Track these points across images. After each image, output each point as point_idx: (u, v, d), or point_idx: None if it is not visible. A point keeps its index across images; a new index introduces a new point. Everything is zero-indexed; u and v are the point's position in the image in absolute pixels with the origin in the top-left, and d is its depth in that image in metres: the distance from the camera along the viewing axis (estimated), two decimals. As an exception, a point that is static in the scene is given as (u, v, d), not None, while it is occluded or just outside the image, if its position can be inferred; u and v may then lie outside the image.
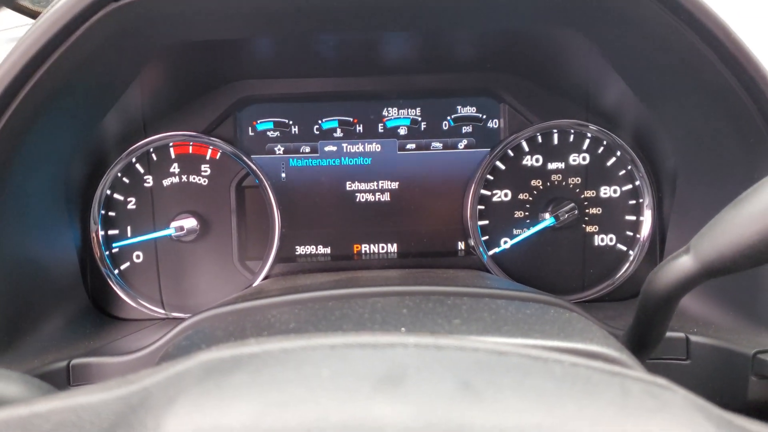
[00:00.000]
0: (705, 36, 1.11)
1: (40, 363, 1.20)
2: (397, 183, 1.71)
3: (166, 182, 1.64)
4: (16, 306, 1.26)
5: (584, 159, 1.66)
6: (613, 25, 1.21)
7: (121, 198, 1.63)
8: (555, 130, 1.66)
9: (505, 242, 1.68)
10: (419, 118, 1.70)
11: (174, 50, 1.33)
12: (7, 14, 1.80)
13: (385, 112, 1.70)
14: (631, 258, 1.66)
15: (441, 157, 1.70)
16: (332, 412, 0.46)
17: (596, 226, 1.67)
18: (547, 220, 1.64)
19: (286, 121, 1.69)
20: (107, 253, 1.62)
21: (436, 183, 1.70)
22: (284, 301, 1.09)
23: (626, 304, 1.64)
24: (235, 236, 1.66)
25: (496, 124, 1.70)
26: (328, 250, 1.71)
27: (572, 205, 1.62)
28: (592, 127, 1.64)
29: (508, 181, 1.68)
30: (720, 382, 1.23)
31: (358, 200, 1.71)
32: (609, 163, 1.66)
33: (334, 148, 1.70)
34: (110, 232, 1.63)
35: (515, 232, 1.68)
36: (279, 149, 1.69)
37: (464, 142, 1.70)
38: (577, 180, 1.66)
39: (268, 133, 1.69)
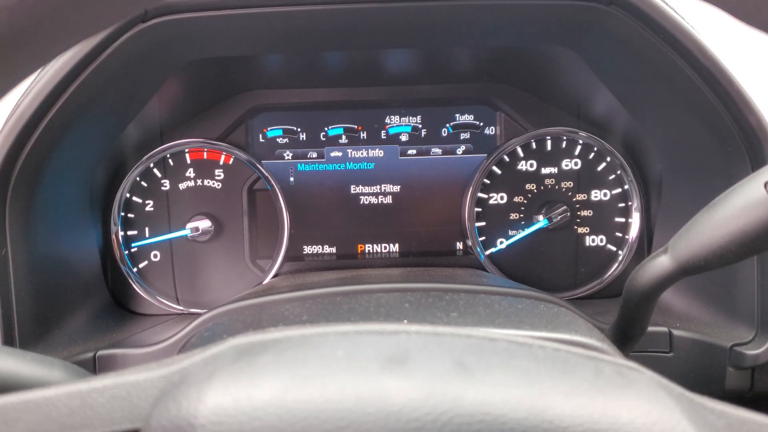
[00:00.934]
0: (682, 52, 1.18)
1: (68, 354, 1.28)
2: (399, 186, 1.78)
3: (182, 186, 1.72)
4: (45, 301, 1.34)
5: (576, 164, 1.74)
6: (600, 42, 1.29)
7: (140, 201, 1.71)
8: (548, 137, 1.73)
9: (501, 243, 1.75)
10: (420, 126, 1.77)
11: (192, 65, 1.40)
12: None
13: (387, 120, 1.77)
14: (620, 258, 1.73)
15: (440, 162, 1.78)
16: (348, 385, 0.53)
17: (587, 228, 1.74)
18: (541, 221, 1.71)
19: (295, 128, 1.77)
20: (126, 252, 1.71)
21: (436, 187, 1.78)
22: (296, 297, 1.17)
23: (615, 301, 1.66)
24: (247, 236, 1.74)
25: (492, 131, 1.77)
26: (333, 250, 1.79)
27: (564, 207, 1.70)
28: (583, 134, 1.71)
29: (503, 185, 1.75)
30: (700, 372, 1.29)
31: (362, 203, 1.78)
32: (599, 168, 1.73)
33: (340, 154, 1.77)
34: (129, 232, 1.71)
35: (510, 233, 1.75)
36: (288, 155, 1.77)
37: (462, 148, 1.78)
38: (570, 184, 1.73)
39: (278, 139, 1.77)
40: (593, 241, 1.74)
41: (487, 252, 1.75)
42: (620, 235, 1.74)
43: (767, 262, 1.26)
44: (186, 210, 1.72)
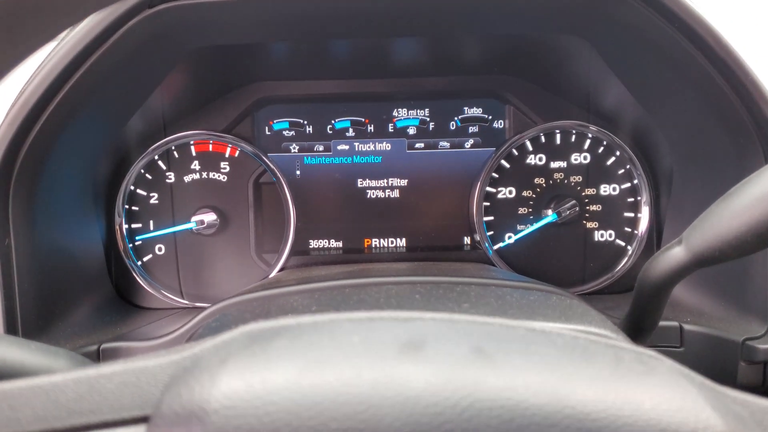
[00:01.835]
0: (697, 42, 1.17)
1: (71, 347, 1.27)
2: (406, 180, 1.77)
3: (187, 178, 1.71)
4: (49, 293, 1.33)
5: (585, 158, 1.73)
6: (612, 31, 1.27)
7: (144, 193, 1.70)
8: (558, 131, 1.72)
9: (510, 237, 1.74)
10: (428, 119, 1.76)
11: (198, 54, 1.39)
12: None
13: (395, 113, 1.76)
14: (630, 253, 1.72)
15: (448, 156, 1.77)
16: (365, 370, 0.52)
17: (596, 223, 1.73)
18: (550, 216, 1.70)
19: (301, 121, 1.76)
20: (131, 245, 1.70)
21: (444, 181, 1.77)
22: (305, 289, 1.16)
23: (624, 296, 1.70)
24: (253, 230, 1.73)
25: (501, 125, 1.76)
26: (340, 244, 1.78)
27: (573, 202, 1.69)
28: (592, 127, 1.70)
29: (512, 179, 1.74)
30: (711, 367, 1.28)
31: (368, 197, 1.77)
32: (609, 162, 1.72)
33: (347, 147, 1.76)
34: (133, 225, 1.70)
35: (519, 227, 1.74)
36: (294, 148, 1.75)
37: (471, 141, 1.77)
38: (579, 178, 1.72)
39: (284, 132, 1.76)
40: (602, 236, 1.73)
41: (495, 247, 1.74)
42: (629, 230, 1.73)
43: (781, 254, 1.25)
44: (191, 203, 1.71)
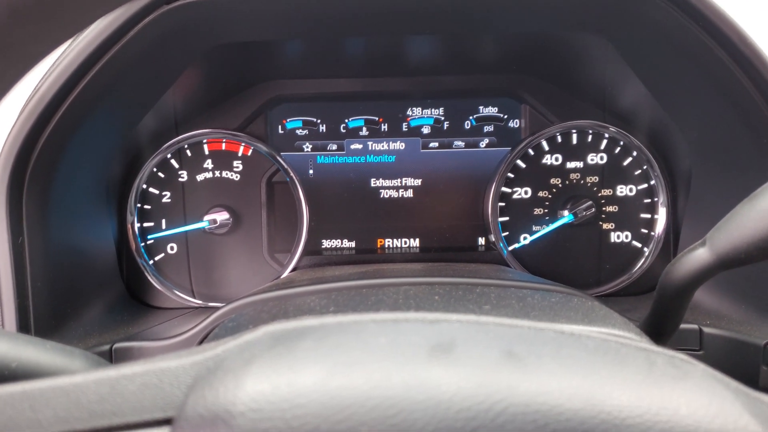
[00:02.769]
0: (721, 40, 1.15)
1: (84, 346, 1.26)
2: (420, 180, 1.76)
3: (199, 177, 1.70)
4: (61, 292, 1.32)
5: (602, 158, 1.71)
6: (634, 29, 1.26)
7: (157, 192, 1.69)
8: (574, 131, 1.71)
9: (525, 238, 1.73)
10: (442, 118, 1.75)
11: (212, 53, 1.38)
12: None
13: (409, 112, 1.75)
14: (646, 254, 1.71)
15: (463, 156, 1.75)
16: (394, 372, 0.51)
17: (612, 224, 1.72)
18: (566, 217, 1.68)
19: (314, 119, 1.75)
20: (142, 244, 1.69)
21: (458, 180, 1.76)
22: (321, 289, 1.15)
23: (641, 298, 1.69)
24: (265, 229, 1.72)
25: (516, 124, 1.75)
26: (353, 244, 1.77)
27: (590, 203, 1.67)
28: (613, 129, 1.69)
29: (528, 179, 1.72)
30: (732, 371, 1.24)
31: (382, 196, 1.76)
32: (625, 163, 1.71)
33: (360, 146, 1.75)
34: (145, 224, 1.70)
35: (534, 228, 1.73)
36: (307, 147, 1.74)
37: (486, 141, 1.75)
38: (595, 179, 1.71)
39: (297, 131, 1.75)
40: (618, 237, 1.72)
41: (511, 248, 1.73)
42: (646, 231, 1.72)
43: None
44: (203, 202, 1.70)
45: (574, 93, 1.71)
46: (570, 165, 1.71)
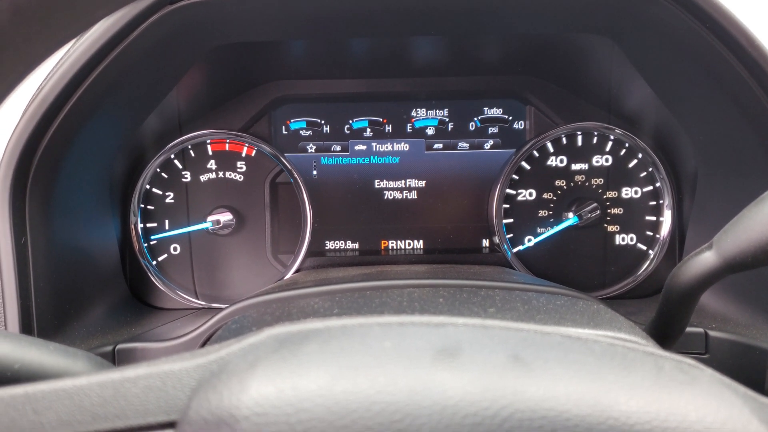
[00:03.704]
0: (729, 42, 1.14)
1: (87, 347, 1.26)
2: (424, 182, 1.75)
3: (203, 178, 1.70)
4: (64, 292, 1.32)
5: (607, 160, 1.70)
6: (640, 31, 1.25)
7: (160, 192, 1.69)
8: (579, 132, 1.70)
9: (529, 240, 1.72)
10: (447, 119, 1.75)
11: (216, 53, 1.38)
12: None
13: (413, 113, 1.75)
14: (651, 257, 1.70)
15: (467, 157, 1.75)
16: (399, 377, 0.50)
17: (617, 226, 1.71)
18: (571, 219, 1.68)
19: (318, 120, 1.74)
20: (146, 245, 1.68)
21: (462, 182, 1.75)
22: (325, 291, 1.14)
23: (646, 301, 1.68)
24: (269, 230, 1.71)
25: (521, 126, 1.75)
26: (356, 246, 1.77)
27: (595, 205, 1.67)
28: (619, 131, 1.68)
29: (532, 181, 1.72)
30: (738, 375, 1.24)
31: (386, 198, 1.76)
32: (631, 165, 1.70)
33: (364, 147, 1.75)
34: (149, 224, 1.69)
35: (539, 230, 1.72)
36: (311, 148, 1.74)
37: (490, 142, 1.75)
38: (600, 181, 1.70)
39: (301, 132, 1.74)
40: (623, 239, 1.71)
41: (515, 249, 1.73)
42: (651, 233, 1.71)
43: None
44: (206, 202, 1.70)
45: (580, 95, 1.70)
46: (575, 167, 1.71)
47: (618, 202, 1.71)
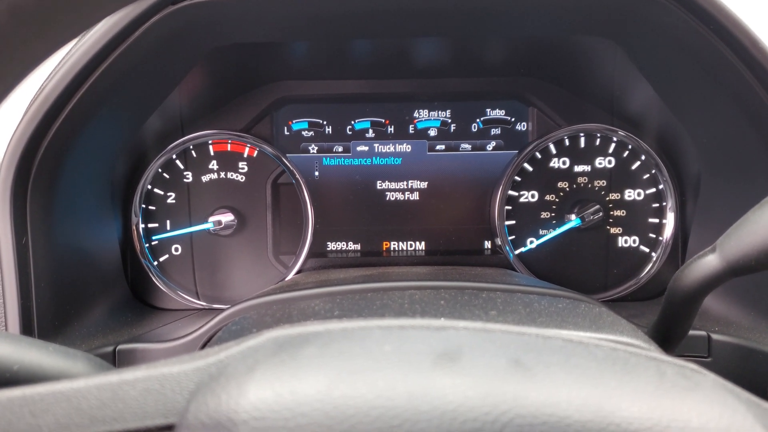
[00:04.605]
0: (733, 44, 1.14)
1: (87, 347, 1.25)
2: (426, 183, 1.75)
3: (204, 178, 1.70)
4: (65, 293, 1.31)
5: (610, 162, 1.70)
6: (643, 33, 1.25)
7: (161, 192, 1.69)
8: (582, 134, 1.70)
9: (531, 242, 1.72)
10: (449, 120, 1.74)
11: (218, 53, 1.38)
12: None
13: (416, 114, 1.74)
14: (654, 259, 1.69)
15: (470, 159, 1.74)
16: (399, 381, 0.50)
17: (620, 228, 1.71)
18: (573, 221, 1.67)
19: (320, 121, 1.74)
20: (147, 245, 1.68)
21: (465, 183, 1.75)
22: (326, 292, 1.14)
23: (648, 303, 1.67)
24: (270, 231, 1.71)
25: (524, 127, 1.74)
26: (358, 247, 1.76)
27: (597, 207, 1.66)
28: (622, 133, 1.67)
29: (535, 183, 1.71)
30: (741, 379, 1.23)
31: (388, 199, 1.76)
32: (633, 167, 1.70)
33: (366, 148, 1.75)
34: (150, 225, 1.69)
35: (541, 232, 1.72)
36: (313, 148, 1.74)
37: (493, 144, 1.74)
38: (603, 183, 1.70)
39: (303, 132, 1.74)
40: (626, 241, 1.71)
41: (517, 251, 1.72)
42: (654, 236, 1.70)
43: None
44: (208, 203, 1.70)
45: (582, 96, 1.70)
46: (577, 169, 1.70)
47: (621, 204, 1.70)
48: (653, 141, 1.67)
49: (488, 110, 1.74)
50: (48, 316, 1.24)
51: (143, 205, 1.68)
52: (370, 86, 1.73)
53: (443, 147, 1.74)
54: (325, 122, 1.74)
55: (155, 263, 1.69)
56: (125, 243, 1.65)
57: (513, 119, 1.74)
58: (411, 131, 1.75)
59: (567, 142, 1.70)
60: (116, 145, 1.47)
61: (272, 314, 1.05)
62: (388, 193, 1.75)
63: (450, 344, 0.57)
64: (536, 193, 1.72)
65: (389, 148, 1.74)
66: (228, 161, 1.70)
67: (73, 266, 1.36)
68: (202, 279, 1.71)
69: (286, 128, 1.74)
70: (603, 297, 1.69)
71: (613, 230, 1.71)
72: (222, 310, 1.22)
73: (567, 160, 1.70)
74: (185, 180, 1.70)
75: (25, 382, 0.59)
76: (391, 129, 1.74)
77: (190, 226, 1.69)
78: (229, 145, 1.70)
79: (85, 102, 1.18)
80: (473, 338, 0.59)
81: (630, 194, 1.70)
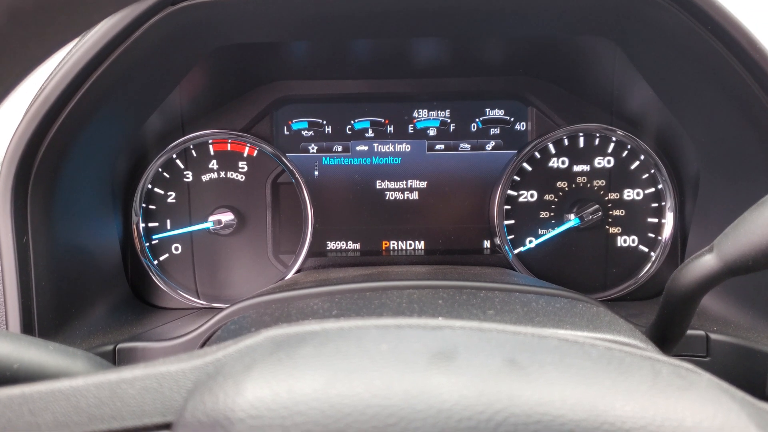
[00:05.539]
0: (730, 45, 1.14)
1: (87, 346, 1.26)
2: (426, 182, 1.75)
3: (204, 178, 1.70)
4: (65, 292, 1.32)
5: (609, 162, 1.70)
6: (642, 33, 1.25)
7: (162, 192, 1.69)
8: (581, 134, 1.70)
9: (530, 241, 1.72)
10: (448, 120, 1.75)
11: (218, 53, 1.38)
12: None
13: (415, 114, 1.75)
14: (653, 259, 1.69)
15: (469, 158, 1.75)
16: (395, 380, 0.50)
17: (619, 228, 1.71)
18: (572, 220, 1.68)
19: (320, 121, 1.74)
20: (147, 244, 1.69)
21: (464, 183, 1.75)
22: (325, 291, 1.14)
23: (647, 303, 1.67)
24: (270, 231, 1.71)
25: (523, 127, 1.74)
26: (357, 246, 1.77)
27: (597, 206, 1.66)
28: (620, 132, 1.68)
29: (534, 182, 1.72)
30: (738, 378, 1.24)
31: (387, 198, 1.76)
32: (633, 167, 1.70)
33: (366, 148, 1.75)
34: (150, 224, 1.69)
35: (540, 231, 1.72)
36: (313, 148, 1.74)
37: (492, 143, 1.75)
38: (602, 182, 1.70)
39: (303, 132, 1.74)
40: (625, 241, 1.71)
41: (516, 251, 1.72)
42: (653, 235, 1.70)
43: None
44: (208, 202, 1.70)
45: (582, 96, 1.70)
46: (577, 168, 1.71)
47: (620, 203, 1.70)
48: (652, 141, 1.67)
49: (487, 110, 1.74)
50: (48, 315, 1.25)
51: (143, 205, 1.68)
52: (370, 86, 1.73)
53: (442, 147, 1.75)
54: (324, 122, 1.74)
55: (155, 262, 1.69)
56: (125, 242, 1.65)
57: (512, 119, 1.74)
58: (410, 131, 1.75)
59: (566, 142, 1.70)
60: (116, 144, 1.47)
61: (271, 313, 1.05)
62: (387, 193, 1.76)
63: (446, 344, 0.57)
64: (535, 193, 1.72)
65: (389, 148, 1.75)
66: (228, 161, 1.71)
67: (74, 265, 1.36)
68: (202, 278, 1.71)
69: (285, 128, 1.74)
70: (602, 296, 1.69)
71: (612, 230, 1.71)
72: (222, 309, 1.22)
73: (566, 159, 1.71)
74: (185, 179, 1.70)
75: (26, 380, 0.60)
76: (390, 129, 1.75)
77: (190, 225, 1.69)
78: (229, 145, 1.71)
79: (86, 102, 1.18)
80: (469, 338, 0.59)
81: (629, 194, 1.70)
